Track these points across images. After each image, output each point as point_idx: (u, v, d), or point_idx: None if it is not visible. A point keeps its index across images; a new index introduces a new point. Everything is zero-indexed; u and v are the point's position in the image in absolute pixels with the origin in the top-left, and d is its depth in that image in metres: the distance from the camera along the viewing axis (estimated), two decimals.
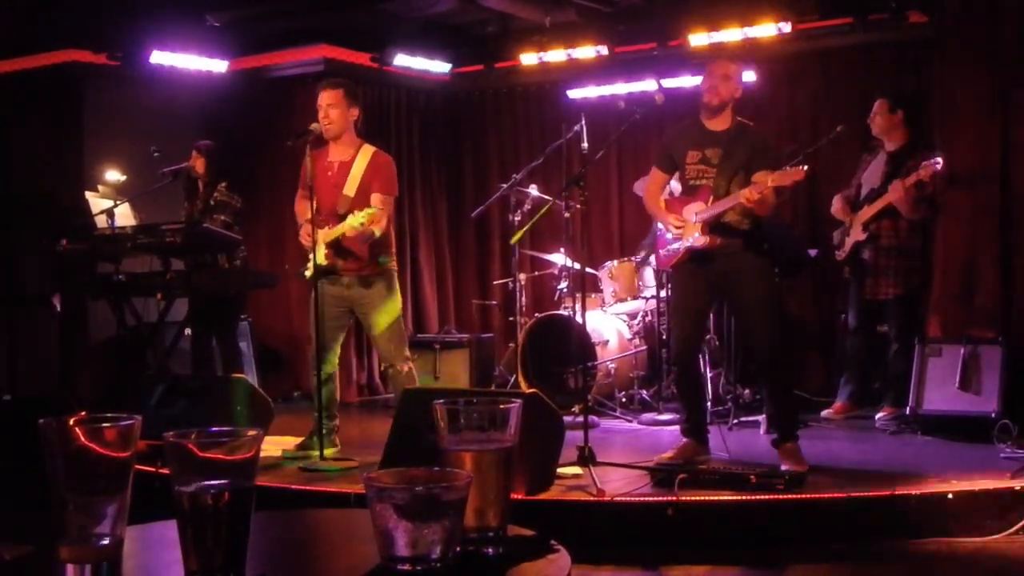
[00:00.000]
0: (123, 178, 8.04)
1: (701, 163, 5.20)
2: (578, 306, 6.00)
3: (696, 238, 5.13)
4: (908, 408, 6.17)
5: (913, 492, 4.53)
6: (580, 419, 5.37)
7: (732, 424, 6.29)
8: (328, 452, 5.53)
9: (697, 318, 5.37)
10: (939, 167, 6.06)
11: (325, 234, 5.46)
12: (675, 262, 5.32)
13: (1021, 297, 6.17)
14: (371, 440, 6.01)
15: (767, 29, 7.36)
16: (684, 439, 5.34)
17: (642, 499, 4.52)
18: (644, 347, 7.40)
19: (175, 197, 7.41)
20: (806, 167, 5.07)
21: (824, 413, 6.82)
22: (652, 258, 7.38)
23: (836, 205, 6.83)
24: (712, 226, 5.13)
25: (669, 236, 5.38)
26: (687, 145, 5.26)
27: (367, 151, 5.62)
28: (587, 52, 8.07)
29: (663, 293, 7.12)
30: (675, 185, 7.25)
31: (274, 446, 5.89)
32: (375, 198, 5.48)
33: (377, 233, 5.41)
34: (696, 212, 5.17)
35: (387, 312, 5.59)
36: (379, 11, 8.01)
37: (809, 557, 4.29)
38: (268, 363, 8.56)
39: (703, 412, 5.48)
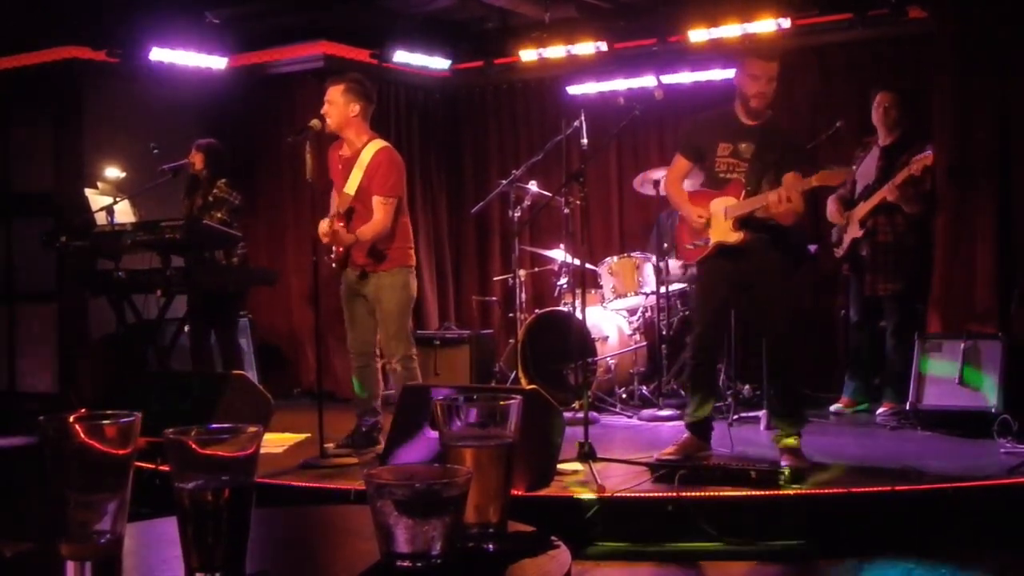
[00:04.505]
0: (123, 175, 8.04)
1: (732, 156, 5.10)
2: (578, 302, 6.00)
3: (728, 234, 5.06)
4: (908, 403, 6.18)
5: (913, 488, 4.53)
6: (580, 415, 5.37)
7: (732, 420, 6.29)
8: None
9: (720, 313, 5.30)
10: (929, 161, 6.05)
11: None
12: (702, 256, 5.23)
13: (1021, 292, 6.17)
14: None
15: (766, 25, 7.34)
16: (686, 433, 5.31)
17: (643, 495, 4.52)
18: (644, 343, 7.41)
19: (175, 194, 7.41)
20: (855, 167, 5.03)
21: (833, 407, 6.85)
22: (649, 252, 7.39)
23: (831, 208, 6.81)
24: (742, 222, 5.06)
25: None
26: (718, 136, 5.15)
27: (372, 148, 5.52)
28: (587, 48, 8.06)
29: (663, 289, 7.13)
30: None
31: (274, 443, 5.90)
32: (374, 200, 5.43)
33: (366, 237, 5.40)
34: (727, 207, 5.08)
35: (388, 309, 5.52)
36: (379, 7, 8.01)
37: (809, 553, 4.29)
38: (268, 360, 8.56)
39: (710, 408, 5.40)
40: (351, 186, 5.48)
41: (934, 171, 6.28)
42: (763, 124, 5.11)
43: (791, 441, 5.08)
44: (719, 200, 5.12)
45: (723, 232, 5.10)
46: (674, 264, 7.36)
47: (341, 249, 5.54)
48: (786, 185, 4.92)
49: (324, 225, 5.38)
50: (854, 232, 6.62)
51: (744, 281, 5.18)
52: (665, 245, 7.31)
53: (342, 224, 5.41)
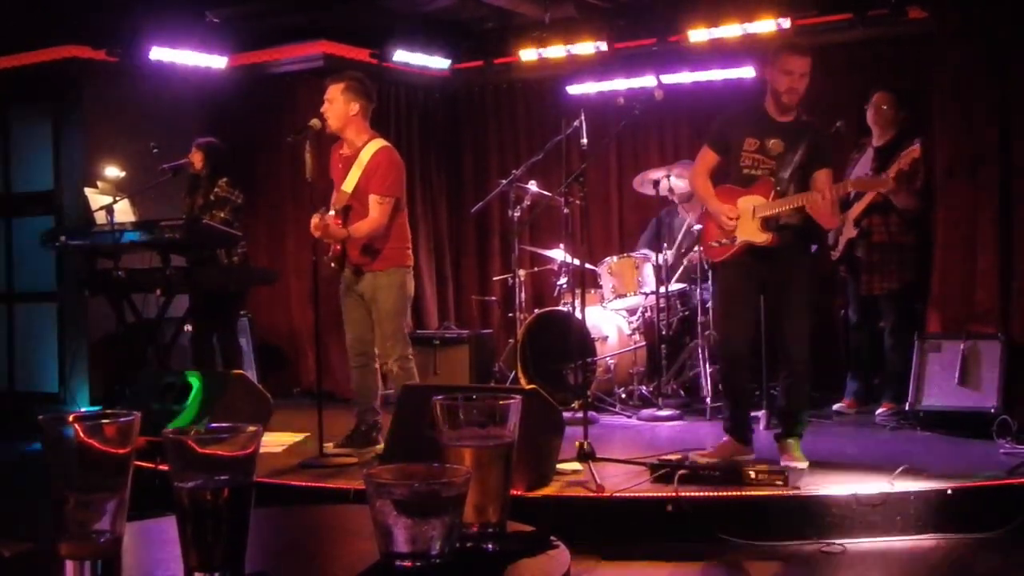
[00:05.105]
0: (122, 174, 8.04)
1: (759, 152, 5.03)
2: (577, 302, 5.99)
3: (757, 234, 5.00)
4: (908, 404, 6.18)
5: (912, 488, 4.53)
6: (580, 415, 5.37)
7: None
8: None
9: (749, 312, 5.21)
10: (917, 153, 6.03)
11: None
12: (728, 255, 5.16)
13: (1020, 292, 6.17)
14: None
15: (766, 25, 7.35)
16: (726, 437, 5.24)
17: (642, 495, 4.52)
18: (644, 343, 7.40)
19: (175, 193, 7.41)
20: (893, 175, 5.01)
21: (836, 407, 6.85)
22: (647, 249, 7.39)
23: None
24: (769, 222, 5.00)
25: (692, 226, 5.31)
26: (746, 131, 5.08)
27: (372, 147, 5.50)
28: (586, 48, 8.07)
29: (663, 289, 7.13)
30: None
31: (273, 442, 5.90)
32: (370, 199, 5.42)
33: (359, 234, 5.40)
34: (755, 206, 5.01)
35: (384, 308, 5.51)
36: (379, 7, 8.01)
37: (808, 552, 4.29)
38: (268, 360, 8.56)
39: (747, 409, 5.35)
40: (349, 184, 5.47)
41: (924, 166, 6.27)
42: (794, 122, 5.06)
43: (792, 441, 5.08)
44: (747, 198, 5.05)
45: (751, 232, 5.02)
46: (670, 257, 7.36)
47: (338, 247, 5.54)
48: (818, 187, 4.89)
49: (315, 219, 5.36)
50: (849, 232, 6.63)
51: (769, 281, 5.12)
52: (665, 244, 7.31)
53: (338, 221, 5.40)
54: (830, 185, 4.92)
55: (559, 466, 4.82)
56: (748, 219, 5.03)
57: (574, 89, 8.52)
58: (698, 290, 7.17)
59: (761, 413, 6.21)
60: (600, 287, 7.63)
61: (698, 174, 5.32)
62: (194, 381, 5.81)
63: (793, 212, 4.98)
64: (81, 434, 1.24)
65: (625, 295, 7.41)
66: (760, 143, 5.05)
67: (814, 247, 6.84)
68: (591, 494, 4.51)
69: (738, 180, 5.13)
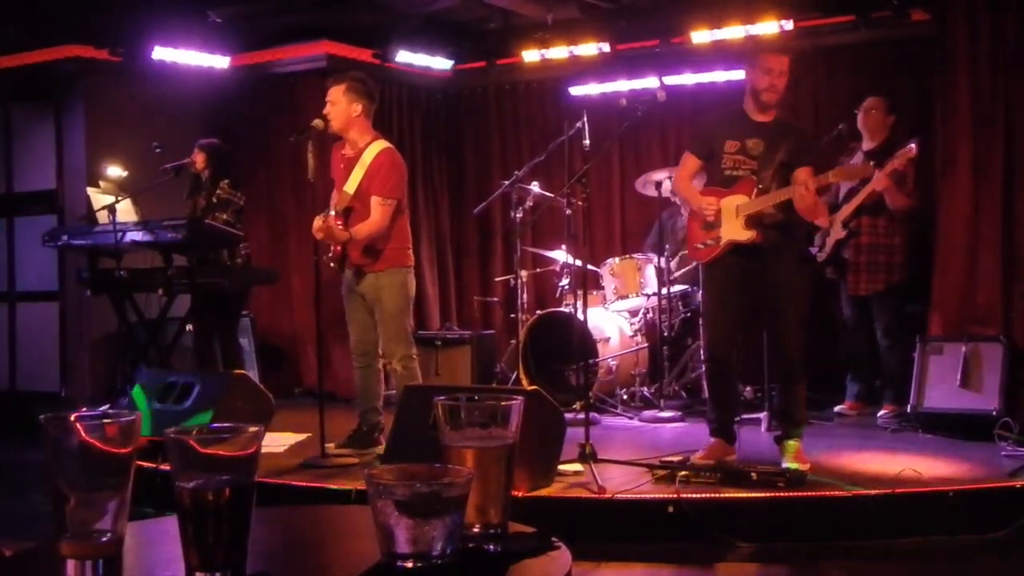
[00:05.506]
0: (125, 174, 8.05)
1: (739, 153, 5.04)
2: (579, 303, 5.99)
3: (740, 232, 5.00)
4: (909, 406, 6.18)
5: (913, 490, 4.53)
6: (581, 416, 5.37)
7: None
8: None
9: (735, 314, 5.19)
10: (912, 153, 6.03)
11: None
12: (714, 256, 5.16)
13: (1022, 294, 6.16)
14: None
15: (769, 26, 7.35)
16: (713, 439, 5.24)
17: (643, 496, 4.52)
18: (645, 344, 7.40)
19: (177, 193, 7.40)
20: (888, 172, 5.01)
21: (837, 408, 6.84)
22: (652, 253, 7.40)
23: None
24: (753, 220, 5.00)
25: (680, 228, 5.31)
26: (727, 133, 5.10)
27: (374, 148, 5.51)
28: (589, 49, 8.07)
29: (665, 290, 7.13)
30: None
31: (275, 442, 5.90)
32: (372, 200, 5.43)
33: (361, 236, 5.40)
34: (738, 205, 5.02)
35: (386, 309, 5.51)
36: (381, 7, 8.01)
37: (809, 554, 4.29)
38: (269, 360, 8.56)
39: (733, 411, 5.36)
40: (351, 185, 5.47)
41: (914, 167, 6.27)
42: (774, 121, 5.08)
43: (793, 443, 5.07)
44: (730, 199, 5.05)
45: (735, 230, 5.03)
46: (673, 264, 7.36)
47: (338, 248, 5.54)
48: (798, 182, 4.90)
49: (318, 221, 5.38)
50: (837, 233, 6.64)
51: (758, 281, 5.10)
52: (667, 246, 7.31)
53: (340, 222, 5.40)
54: (812, 178, 4.92)
55: (560, 467, 4.82)
56: (732, 218, 5.04)
57: (576, 90, 8.53)
58: (700, 292, 7.16)
59: (763, 415, 6.21)
60: (602, 288, 7.63)
61: (681, 179, 5.37)
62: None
63: (777, 209, 4.99)
64: (82, 434, 1.24)
65: (627, 296, 7.41)
66: (741, 144, 5.07)
67: (814, 249, 6.86)
68: (592, 495, 4.52)
69: (720, 182, 5.14)
